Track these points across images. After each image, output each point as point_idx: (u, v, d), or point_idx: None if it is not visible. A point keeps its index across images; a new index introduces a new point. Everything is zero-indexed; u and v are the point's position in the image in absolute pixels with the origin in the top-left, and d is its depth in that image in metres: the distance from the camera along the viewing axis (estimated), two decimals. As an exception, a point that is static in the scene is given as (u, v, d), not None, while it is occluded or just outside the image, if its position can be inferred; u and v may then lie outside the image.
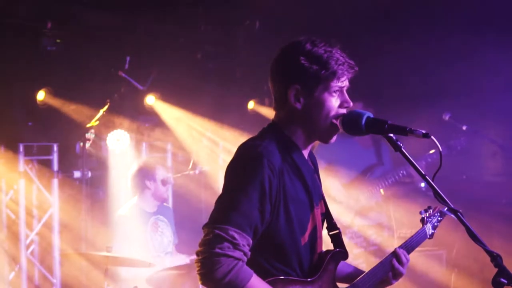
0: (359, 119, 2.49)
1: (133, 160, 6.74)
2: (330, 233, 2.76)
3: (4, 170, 6.48)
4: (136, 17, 6.68)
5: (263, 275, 2.42)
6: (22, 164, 6.58)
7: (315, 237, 2.59)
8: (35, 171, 6.79)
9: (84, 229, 6.76)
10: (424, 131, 2.42)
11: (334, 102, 2.52)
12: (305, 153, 2.62)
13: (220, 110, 7.54)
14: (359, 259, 5.72)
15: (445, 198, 2.41)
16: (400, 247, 2.89)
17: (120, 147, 6.89)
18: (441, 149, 2.45)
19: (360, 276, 2.78)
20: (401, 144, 2.46)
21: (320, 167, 5.88)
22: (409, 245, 2.95)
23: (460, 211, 2.44)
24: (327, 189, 5.70)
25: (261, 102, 7.93)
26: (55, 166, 6.79)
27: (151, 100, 7.20)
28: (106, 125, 6.90)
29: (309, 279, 2.54)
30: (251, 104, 7.91)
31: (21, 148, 6.56)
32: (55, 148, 6.78)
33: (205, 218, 2.44)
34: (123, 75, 6.81)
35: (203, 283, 2.35)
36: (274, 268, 2.47)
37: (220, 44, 7.50)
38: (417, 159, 5.67)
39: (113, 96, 6.86)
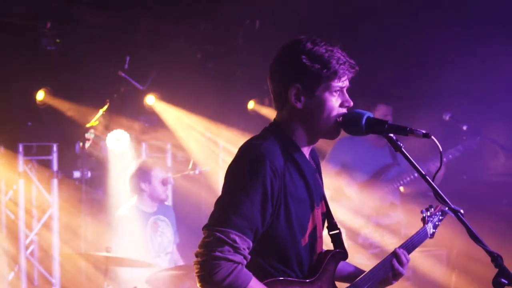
0: (359, 119, 2.49)
1: (132, 160, 6.73)
2: (330, 233, 2.75)
3: (3, 170, 6.48)
4: (136, 17, 6.68)
5: (263, 276, 2.41)
6: (21, 164, 6.58)
7: (315, 237, 2.58)
8: (34, 171, 6.78)
9: (83, 229, 6.76)
10: (424, 131, 2.41)
11: (335, 102, 2.51)
12: (306, 152, 2.61)
13: (220, 110, 7.53)
14: (374, 259, 5.73)
15: (446, 199, 2.41)
16: (400, 247, 2.88)
17: (120, 147, 6.88)
18: (441, 149, 2.45)
19: (361, 276, 2.78)
20: (402, 144, 2.46)
21: (335, 169, 5.89)
22: (410, 245, 2.94)
23: (461, 211, 2.44)
24: (342, 189, 5.74)
25: (261, 102, 7.93)
26: (55, 166, 6.79)
27: (151, 100, 7.20)
28: (105, 125, 6.89)
29: (308, 280, 2.54)
30: (251, 104, 7.91)
31: (20, 148, 6.56)
32: (55, 148, 6.78)
33: (205, 218, 2.43)
34: (123, 75, 6.81)
35: (201, 286, 2.34)
36: (273, 268, 2.46)
37: (220, 44, 7.49)
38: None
39: (112, 96, 6.85)
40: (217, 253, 2.27)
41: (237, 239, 2.29)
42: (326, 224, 2.75)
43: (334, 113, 2.51)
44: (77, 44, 6.42)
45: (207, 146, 7.72)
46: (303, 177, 2.52)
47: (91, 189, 6.99)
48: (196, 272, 2.33)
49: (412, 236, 2.99)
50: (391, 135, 2.47)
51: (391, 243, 5.75)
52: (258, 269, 2.41)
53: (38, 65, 6.25)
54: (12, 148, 6.51)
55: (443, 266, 6.53)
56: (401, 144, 2.46)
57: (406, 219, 5.96)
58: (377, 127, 2.47)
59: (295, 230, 2.47)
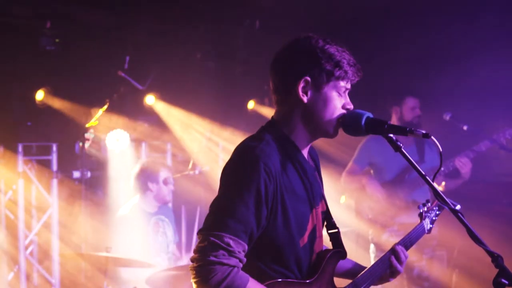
0: (359, 119, 2.48)
1: (132, 160, 6.74)
2: (329, 231, 2.74)
3: (3, 170, 6.48)
4: (135, 16, 6.68)
5: (261, 278, 2.40)
6: (21, 164, 6.58)
7: (314, 237, 2.57)
8: (34, 171, 6.78)
9: (83, 229, 6.75)
10: (424, 131, 2.41)
11: (338, 102, 2.51)
12: (305, 151, 2.59)
13: (220, 110, 7.54)
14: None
15: (446, 199, 2.40)
16: (399, 243, 2.87)
17: (120, 147, 6.88)
18: (441, 149, 2.44)
19: (360, 274, 2.77)
20: (401, 145, 2.45)
21: (362, 169, 5.93)
22: (407, 241, 2.93)
23: (458, 207, 2.43)
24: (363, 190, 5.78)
25: (261, 102, 7.93)
26: (54, 166, 6.79)
27: (150, 100, 7.20)
28: (105, 125, 6.89)
29: (307, 281, 2.52)
30: (251, 104, 7.91)
31: (20, 148, 6.55)
32: (54, 148, 6.78)
33: (204, 219, 2.42)
34: (123, 75, 6.81)
35: None
36: (272, 270, 2.45)
37: (220, 43, 7.49)
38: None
39: (112, 96, 6.86)
40: (212, 258, 2.26)
41: (231, 242, 2.28)
42: (324, 223, 2.74)
43: (337, 113, 2.51)
44: (76, 44, 6.43)
45: (207, 146, 7.72)
46: (301, 176, 2.51)
47: (91, 189, 6.98)
48: (192, 278, 2.31)
49: (410, 232, 2.98)
50: (391, 135, 2.46)
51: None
52: (256, 272, 2.40)
53: (37, 65, 6.25)
54: (11, 148, 6.51)
55: (443, 266, 6.52)
56: (401, 145, 2.45)
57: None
58: (377, 127, 2.46)
59: (293, 231, 2.45)
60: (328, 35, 2.57)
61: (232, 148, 2.54)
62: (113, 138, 6.86)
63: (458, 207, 2.78)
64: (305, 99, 2.49)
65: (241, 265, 2.32)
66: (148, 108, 7.25)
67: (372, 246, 5.91)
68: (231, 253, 2.28)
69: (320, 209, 2.62)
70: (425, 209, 3.15)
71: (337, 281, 2.68)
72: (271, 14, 7.04)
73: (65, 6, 6.22)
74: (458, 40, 6.52)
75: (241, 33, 7.49)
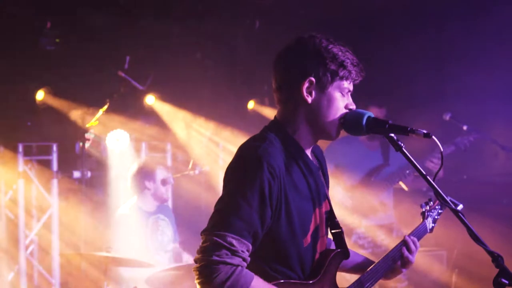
0: (360, 119, 2.48)
1: (132, 160, 6.73)
2: (332, 231, 2.73)
3: (3, 170, 6.49)
4: (135, 17, 6.68)
5: (264, 279, 2.39)
6: (21, 164, 6.58)
7: (317, 237, 2.56)
8: (34, 171, 6.78)
9: (83, 229, 6.76)
10: (425, 131, 2.40)
11: (342, 102, 2.51)
12: (308, 151, 2.59)
13: (220, 110, 7.53)
14: None
15: (446, 198, 2.40)
16: (411, 234, 2.88)
17: (120, 147, 6.88)
18: (442, 149, 2.44)
19: (365, 272, 2.76)
20: (402, 144, 2.45)
21: (329, 169, 5.89)
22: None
23: (459, 207, 2.42)
24: (331, 192, 5.73)
25: (261, 102, 7.93)
26: (55, 166, 6.79)
27: (150, 100, 7.20)
28: (105, 125, 6.89)
29: (310, 282, 2.52)
30: (251, 104, 7.91)
31: (20, 148, 6.56)
32: (55, 148, 6.78)
33: (205, 218, 2.41)
34: (123, 75, 6.81)
35: None
36: (274, 270, 2.45)
37: (220, 43, 7.49)
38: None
39: (112, 96, 6.85)
40: (215, 258, 2.25)
41: (234, 242, 2.27)
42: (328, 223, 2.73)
43: (340, 113, 2.50)
44: (77, 44, 6.43)
45: (207, 146, 7.72)
46: (305, 176, 2.51)
47: (91, 189, 6.99)
48: (196, 278, 2.31)
49: (412, 231, 2.98)
50: (392, 135, 2.46)
51: (382, 245, 5.75)
52: (259, 272, 2.38)
53: (38, 65, 6.25)
54: (12, 148, 6.52)
55: (443, 266, 6.53)
56: (402, 144, 2.45)
57: (402, 218, 5.95)
58: (378, 127, 2.46)
59: (297, 231, 2.45)
60: (328, 35, 2.57)
61: (232, 148, 2.54)
62: (113, 138, 6.86)
63: (460, 206, 2.78)
64: (309, 99, 2.48)
65: (245, 264, 2.31)
66: (148, 108, 7.25)
67: None
68: (234, 253, 2.27)
69: (324, 209, 2.61)
70: (428, 208, 3.14)
71: (340, 281, 2.68)
72: (271, 14, 7.05)
73: (66, 7, 6.21)
74: (458, 40, 6.52)
75: (241, 33, 7.49)
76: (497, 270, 2.23)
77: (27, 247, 6.74)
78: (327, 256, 2.60)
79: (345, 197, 5.74)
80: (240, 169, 2.41)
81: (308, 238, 2.50)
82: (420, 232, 3.01)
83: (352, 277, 2.82)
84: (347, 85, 2.50)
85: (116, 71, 6.78)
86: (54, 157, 6.79)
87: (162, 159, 7.50)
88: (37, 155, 6.85)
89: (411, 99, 6.93)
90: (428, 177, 2.42)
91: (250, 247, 2.33)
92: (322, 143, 2.75)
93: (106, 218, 6.44)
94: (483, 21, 6.24)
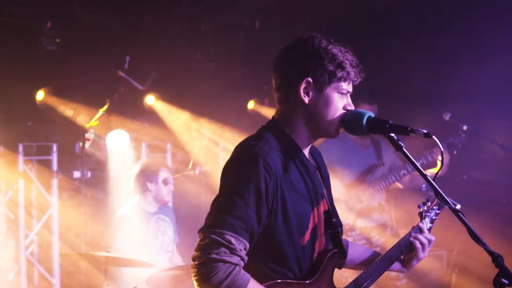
0: (360, 119, 2.48)
1: (132, 160, 6.74)
2: (329, 231, 2.71)
3: (3, 170, 6.48)
4: (136, 17, 6.68)
5: (261, 279, 2.40)
6: (21, 164, 6.59)
7: (315, 236, 2.56)
8: (34, 171, 6.79)
9: (83, 229, 6.76)
10: (425, 131, 2.41)
11: (340, 103, 2.51)
12: (306, 150, 2.59)
13: (220, 110, 7.53)
14: None
15: (446, 198, 2.40)
16: (409, 234, 2.89)
17: (120, 147, 6.89)
18: (442, 149, 2.45)
19: (362, 272, 2.76)
20: (403, 144, 2.45)
21: None
22: (407, 241, 2.92)
23: (458, 207, 2.42)
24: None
25: (261, 102, 7.93)
26: (55, 166, 6.80)
27: (150, 100, 7.20)
28: (105, 125, 6.90)
29: (307, 281, 2.52)
30: (251, 104, 7.91)
31: (20, 148, 6.57)
32: (55, 148, 6.79)
33: (204, 218, 2.42)
34: (123, 75, 6.81)
35: None
36: (271, 270, 2.45)
37: (220, 44, 7.50)
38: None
39: (112, 96, 6.86)
40: (213, 255, 2.26)
41: (232, 240, 2.28)
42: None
43: (338, 113, 2.50)
44: (77, 44, 6.43)
45: (207, 146, 7.72)
46: (302, 175, 2.51)
47: (91, 189, 6.99)
48: (194, 276, 2.31)
49: (410, 231, 2.98)
50: (392, 134, 2.46)
51: (377, 245, 5.74)
52: (256, 272, 2.39)
53: (38, 65, 6.26)
54: (12, 148, 6.52)
55: (443, 266, 6.53)
56: (402, 144, 2.45)
57: (399, 216, 5.93)
58: (378, 126, 2.46)
59: (293, 231, 2.45)
60: (329, 35, 2.57)
61: (232, 148, 2.54)
62: (113, 138, 6.87)
63: (458, 206, 2.77)
64: (306, 99, 2.49)
65: (242, 263, 2.32)
66: (148, 108, 7.25)
67: None
68: (232, 251, 2.28)
69: (322, 208, 2.61)
70: (425, 208, 3.14)
71: (337, 281, 2.68)
72: (271, 15, 7.05)
73: (66, 7, 6.22)
74: (458, 40, 6.52)
75: (241, 33, 7.49)
76: (497, 270, 2.23)
77: (27, 247, 6.74)
78: (324, 256, 2.60)
79: (352, 197, 5.70)
80: (237, 168, 2.43)
81: (306, 237, 2.51)
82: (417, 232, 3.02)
83: (350, 277, 2.82)
84: (346, 86, 2.51)
85: (116, 71, 6.78)
86: (54, 157, 6.79)
87: (162, 159, 7.49)
88: (37, 155, 6.85)
89: (411, 99, 6.92)
90: (428, 176, 2.42)
91: (248, 245, 2.34)
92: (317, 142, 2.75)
93: (106, 218, 6.45)
94: (484, 20, 6.24)
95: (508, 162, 6.46)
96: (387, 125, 2.44)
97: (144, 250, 5.26)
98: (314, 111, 2.50)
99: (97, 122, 6.77)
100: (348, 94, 2.55)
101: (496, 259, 2.23)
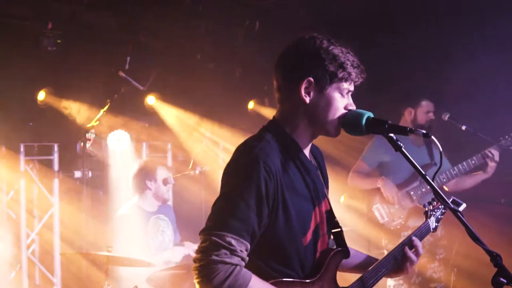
0: (360, 119, 2.48)
1: (133, 160, 6.75)
2: (333, 231, 2.73)
3: (5, 170, 6.49)
4: (136, 17, 6.69)
5: (263, 278, 2.40)
6: (23, 164, 6.61)
7: (318, 235, 2.57)
8: (36, 171, 6.80)
9: (84, 228, 6.77)
10: (424, 131, 2.43)
11: (341, 103, 2.51)
12: (306, 150, 2.60)
13: (220, 110, 7.54)
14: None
15: (445, 198, 2.42)
16: (413, 234, 2.90)
17: (121, 147, 6.90)
18: (441, 149, 2.46)
19: (367, 270, 2.77)
20: (402, 144, 2.46)
21: (370, 168, 5.75)
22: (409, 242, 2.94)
23: (461, 208, 2.44)
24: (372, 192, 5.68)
25: (261, 102, 7.94)
26: (56, 166, 6.81)
27: (151, 100, 7.22)
28: (106, 125, 6.91)
29: (309, 280, 2.53)
30: (251, 104, 7.92)
31: (22, 148, 6.58)
32: (56, 148, 6.80)
33: (205, 218, 2.42)
34: (124, 75, 6.82)
35: None
36: (274, 270, 2.46)
37: (220, 44, 7.51)
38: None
39: (113, 96, 6.87)
40: (214, 257, 2.27)
41: (233, 241, 2.29)
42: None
43: (339, 113, 2.51)
44: (78, 45, 6.44)
45: (207, 146, 7.74)
46: (303, 175, 2.52)
47: (92, 189, 7.01)
48: (195, 278, 2.32)
49: (415, 231, 2.99)
50: (391, 135, 2.47)
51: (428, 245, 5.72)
52: (259, 272, 2.40)
53: (39, 65, 6.26)
54: (13, 148, 6.53)
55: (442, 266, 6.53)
56: (402, 144, 2.47)
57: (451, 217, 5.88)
58: (377, 127, 2.46)
59: (295, 230, 2.46)
60: (329, 35, 2.58)
61: (232, 148, 2.56)
62: (114, 138, 6.88)
63: (463, 206, 2.79)
64: (307, 99, 2.50)
65: (243, 263, 2.33)
66: (149, 108, 7.27)
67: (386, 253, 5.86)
68: (233, 252, 2.29)
69: (323, 208, 2.62)
70: (431, 207, 3.16)
71: (340, 280, 2.69)
72: (271, 15, 7.05)
73: (66, 7, 6.23)
74: (459, 40, 6.53)
75: (241, 34, 7.50)
76: (496, 269, 2.25)
77: (28, 246, 6.76)
78: (327, 255, 2.61)
79: (404, 196, 5.69)
80: (237, 169, 2.43)
81: (308, 237, 2.51)
82: (423, 232, 3.03)
83: (353, 277, 2.83)
84: (347, 86, 2.51)
85: (117, 71, 6.79)
86: (56, 157, 6.81)
87: (162, 159, 7.51)
88: (38, 155, 6.87)
89: (410, 99, 6.92)
90: (427, 177, 2.44)
91: (249, 246, 2.35)
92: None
93: (107, 218, 6.46)
94: (484, 20, 6.25)
95: (508, 161, 6.47)
96: (386, 125, 2.45)
97: (143, 250, 5.28)
98: (315, 111, 2.51)
99: (98, 122, 6.78)
100: (350, 94, 2.56)
101: (495, 258, 2.24)
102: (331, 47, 2.49)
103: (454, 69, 6.51)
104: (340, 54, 2.49)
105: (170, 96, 7.25)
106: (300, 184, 2.51)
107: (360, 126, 2.48)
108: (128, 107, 7.16)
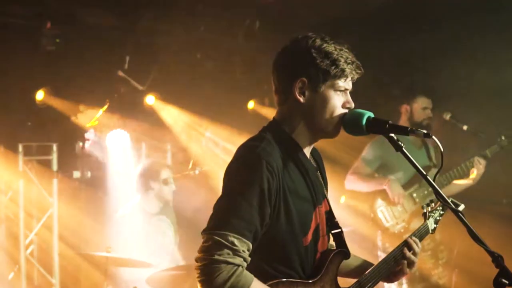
0: (360, 118, 2.48)
1: (132, 160, 6.74)
2: (332, 231, 2.73)
3: (3, 170, 6.48)
4: (136, 17, 6.68)
5: (265, 278, 2.40)
6: (21, 164, 6.59)
7: (318, 236, 2.57)
8: (34, 171, 6.78)
9: (83, 229, 6.76)
10: (425, 131, 2.41)
11: (337, 101, 2.51)
12: (307, 151, 2.60)
13: (220, 110, 7.53)
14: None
15: (446, 198, 2.40)
16: (412, 235, 2.89)
17: (120, 147, 6.89)
18: (442, 149, 2.45)
19: (365, 273, 2.76)
20: (402, 144, 2.45)
21: (371, 169, 5.70)
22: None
23: (461, 208, 2.43)
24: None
25: (261, 102, 7.93)
26: (55, 166, 6.79)
27: (150, 100, 7.20)
28: (105, 125, 6.90)
29: (310, 281, 2.53)
30: (251, 104, 7.91)
31: (20, 148, 6.57)
32: (55, 148, 6.79)
33: (205, 218, 2.41)
34: (123, 75, 6.81)
35: None
36: (275, 270, 2.45)
37: (220, 44, 7.49)
38: None
39: (112, 96, 6.86)
40: (216, 257, 2.26)
41: (235, 241, 2.28)
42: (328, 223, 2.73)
43: (336, 112, 2.51)
44: (77, 44, 6.43)
45: (207, 146, 7.72)
46: (303, 175, 2.52)
47: (91, 189, 6.99)
48: (197, 277, 2.31)
49: (414, 232, 2.98)
50: (392, 135, 2.46)
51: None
52: (260, 272, 2.39)
53: (38, 65, 6.25)
54: (12, 148, 6.52)
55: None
56: (402, 144, 2.45)
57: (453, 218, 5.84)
58: (377, 127, 2.46)
59: (297, 230, 2.46)
60: (329, 34, 2.57)
61: (232, 148, 2.55)
62: (113, 138, 6.87)
63: (461, 207, 2.78)
64: (302, 99, 2.50)
65: (245, 264, 2.32)
66: (148, 108, 7.25)
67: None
68: (235, 252, 2.28)
69: (323, 208, 2.62)
70: (429, 209, 3.15)
71: (342, 281, 2.68)
72: (271, 14, 7.04)
73: (66, 7, 6.21)
74: (458, 39, 6.52)
75: (241, 33, 7.49)
76: (497, 270, 2.23)
77: (27, 247, 6.74)
78: (328, 256, 2.61)
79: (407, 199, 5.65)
80: (239, 169, 2.43)
81: (308, 237, 2.51)
82: (422, 233, 3.02)
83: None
84: (343, 83, 2.50)
85: (116, 71, 6.78)
86: (54, 157, 6.79)
87: (162, 159, 7.49)
88: (37, 155, 6.85)
89: (405, 95, 6.92)
90: (428, 177, 2.42)
91: (251, 246, 2.34)
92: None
93: (106, 218, 6.45)
94: (485, 19, 6.24)
95: (508, 161, 6.46)
96: (387, 125, 2.45)
97: (144, 251, 5.27)
98: (311, 110, 2.51)
99: (97, 122, 6.77)
100: (347, 91, 2.55)
101: (496, 259, 2.24)
102: (324, 45, 2.48)
103: (454, 68, 6.50)
104: (333, 51, 2.48)
105: (170, 96, 7.24)
106: (300, 184, 2.51)
107: (360, 126, 2.48)
108: (127, 107, 7.15)
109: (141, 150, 7.51)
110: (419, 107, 5.76)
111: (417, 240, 2.86)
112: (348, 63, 2.49)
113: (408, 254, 2.80)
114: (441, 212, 3.18)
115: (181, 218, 6.24)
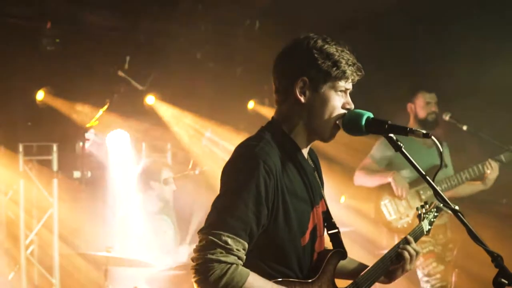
0: (359, 119, 2.48)
1: (132, 160, 6.75)
2: (329, 232, 2.73)
3: (3, 170, 6.48)
4: (136, 17, 6.68)
5: (262, 277, 2.39)
6: (21, 164, 6.59)
7: (315, 236, 2.57)
8: (34, 171, 6.79)
9: (83, 229, 6.76)
10: (424, 131, 2.41)
11: (337, 102, 2.51)
12: (305, 151, 2.60)
13: (220, 110, 7.53)
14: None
15: (446, 199, 2.40)
16: (408, 235, 2.88)
17: (120, 147, 6.89)
18: (441, 149, 2.45)
19: (361, 274, 2.76)
20: (402, 144, 2.45)
21: (379, 167, 5.67)
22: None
23: (457, 207, 2.43)
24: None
25: (261, 102, 7.93)
26: (55, 166, 6.80)
27: (151, 100, 7.20)
28: (106, 125, 6.90)
29: (308, 281, 2.53)
30: (251, 104, 7.91)
31: (20, 148, 6.57)
32: (55, 148, 6.79)
33: (205, 218, 2.43)
34: (123, 75, 6.81)
35: None
36: (273, 270, 2.45)
37: (220, 44, 7.50)
38: None
39: (112, 96, 6.86)
40: (209, 256, 2.27)
41: (229, 240, 2.29)
42: (325, 224, 2.74)
43: (336, 113, 2.51)
44: (77, 44, 6.43)
45: (207, 146, 7.72)
46: (301, 175, 2.52)
47: (91, 189, 6.99)
48: (193, 277, 2.32)
49: (409, 232, 2.98)
50: (391, 135, 2.46)
51: (438, 245, 5.67)
52: (257, 271, 2.39)
53: (38, 65, 6.25)
54: (12, 148, 6.52)
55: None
56: (402, 144, 2.45)
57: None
58: (377, 127, 2.46)
59: (295, 230, 2.46)
60: (328, 35, 2.57)
61: (232, 148, 2.55)
62: (113, 138, 6.87)
63: (456, 207, 2.77)
64: (302, 99, 2.50)
65: (240, 262, 2.32)
66: (148, 108, 7.25)
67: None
68: (228, 251, 2.28)
69: (320, 208, 2.63)
70: (424, 210, 3.16)
71: (338, 282, 2.68)
72: (271, 15, 7.04)
73: (66, 7, 6.21)
74: (458, 40, 6.52)
75: (241, 33, 7.49)
76: (497, 270, 2.23)
77: (27, 247, 6.74)
78: (325, 256, 2.61)
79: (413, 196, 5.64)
80: (237, 168, 2.43)
81: (306, 237, 2.51)
82: (417, 233, 3.03)
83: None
84: (343, 84, 2.51)
85: (116, 71, 6.78)
86: (55, 157, 6.79)
87: (162, 159, 7.50)
88: (37, 155, 6.85)
89: (408, 94, 6.92)
90: (428, 177, 2.42)
91: (247, 245, 2.34)
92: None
93: (106, 218, 6.45)
94: (486, 19, 6.24)
95: (507, 161, 6.47)
96: (386, 126, 2.44)
97: (144, 251, 5.27)
98: (311, 110, 2.51)
99: (97, 122, 6.77)
100: (347, 92, 2.55)
101: (496, 259, 2.24)
102: (326, 46, 2.49)
103: (454, 68, 6.51)
104: (335, 52, 2.48)
105: (170, 96, 7.24)
106: (298, 184, 2.51)
107: (360, 126, 2.48)
108: (127, 107, 7.14)
109: (141, 150, 7.51)
110: (422, 103, 5.75)
111: (411, 239, 2.84)
112: (349, 65, 2.49)
113: (404, 253, 2.78)
114: (435, 214, 3.19)
115: (182, 218, 6.25)
